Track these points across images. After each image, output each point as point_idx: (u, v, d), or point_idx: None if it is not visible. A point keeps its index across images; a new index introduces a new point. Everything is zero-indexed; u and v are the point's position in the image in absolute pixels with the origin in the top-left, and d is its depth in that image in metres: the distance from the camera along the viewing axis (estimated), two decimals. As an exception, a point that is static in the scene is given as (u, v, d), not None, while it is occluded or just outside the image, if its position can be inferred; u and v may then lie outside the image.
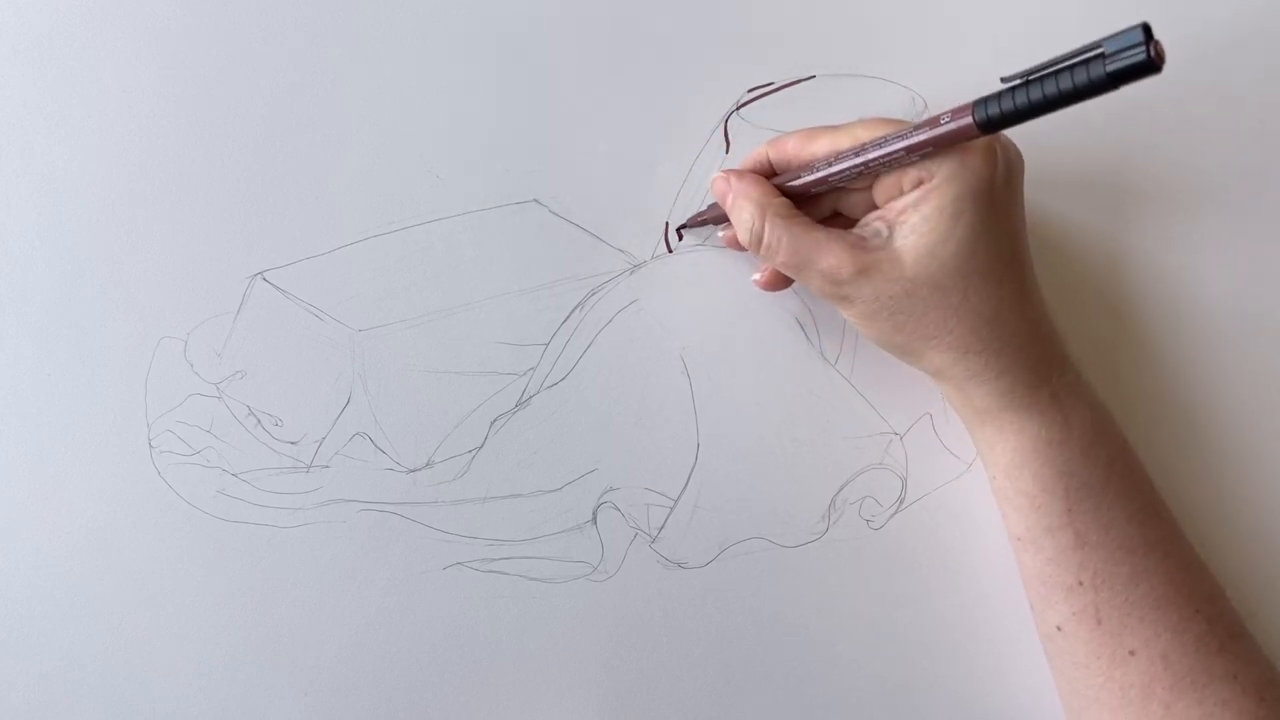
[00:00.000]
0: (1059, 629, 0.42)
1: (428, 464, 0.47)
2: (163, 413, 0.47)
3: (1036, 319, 0.41)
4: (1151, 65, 0.31)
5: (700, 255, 0.48)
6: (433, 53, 0.48)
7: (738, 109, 0.48)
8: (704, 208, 0.47)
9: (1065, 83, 0.33)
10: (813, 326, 0.48)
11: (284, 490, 0.47)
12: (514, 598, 0.47)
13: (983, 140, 0.38)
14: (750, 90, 0.48)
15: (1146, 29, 0.31)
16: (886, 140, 0.38)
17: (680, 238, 0.48)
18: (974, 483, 0.48)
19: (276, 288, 0.47)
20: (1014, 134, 0.40)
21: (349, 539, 0.47)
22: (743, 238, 0.43)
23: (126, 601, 0.47)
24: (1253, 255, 0.48)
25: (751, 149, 0.45)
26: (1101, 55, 0.32)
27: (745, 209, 0.42)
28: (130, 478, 0.47)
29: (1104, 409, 0.43)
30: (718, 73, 0.48)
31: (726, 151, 0.48)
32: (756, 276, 0.46)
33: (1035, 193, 0.42)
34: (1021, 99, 0.34)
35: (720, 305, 0.48)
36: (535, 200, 0.48)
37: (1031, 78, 0.34)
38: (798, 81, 0.48)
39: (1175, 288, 0.48)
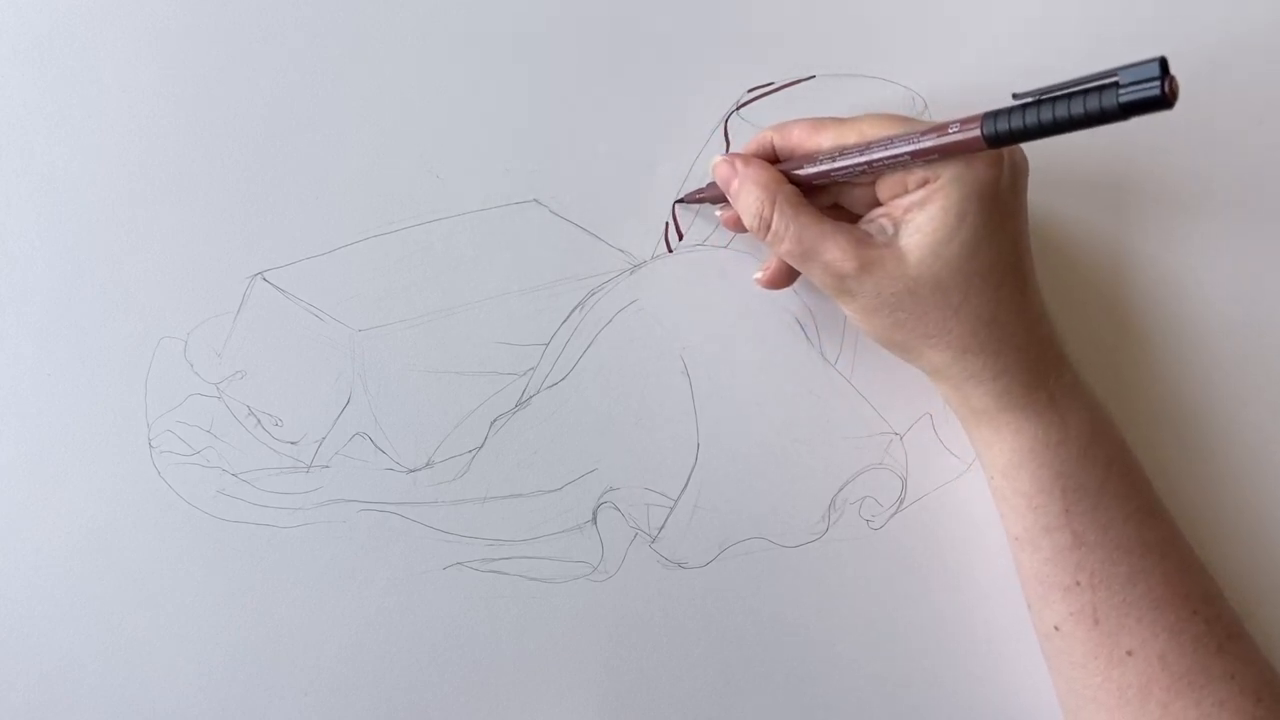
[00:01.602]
0: (1056, 629, 0.42)
1: (428, 464, 0.47)
2: (163, 413, 0.47)
3: (1036, 321, 0.41)
4: (1164, 100, 0.31)
5: (700, 255, 0.48)
6: (433, 53, 0.47)
7: (738, 109, 0.48)
8: (704, 186, 0.47)
9: (1077, 108, 0.33)
10: (813, 326, 0.48)
11: (284, 490, 0.47)
12: (514, 598, 0.48)
13: None
14: (750, 90, 0.48)
15: (1163, 63, 0.31)
16: (893, 142, 0.38)
17: (680, 233, 0.48)
18: (974, 483, 0.48)
19: (276, 288, 0.47)
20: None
21: (349, 539, 0.47)
22: (749, 222, 0.42)
23: (126, 601, 0.47)
24: (1254, 257, 0.48)
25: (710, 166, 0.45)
26: (1116, 85, 0.32)
27: (753, 194, 0.42)
28: (130, 478, 0.47)
29: (1102, 410, 0.43)
30: (718, 73, 0.48)
31: (726, 151, 0.48)
32: (759, 275, 0.46)
33: (1037, 194, 0.42)
34: (1031, 118, 0.34)
35: (720, 305, 0.48)
36: (535, 200, 0.48)
37: (1043, 98, 0.34)
38: (798, 81, 0.48)
39: (1177, 289, 0.48)
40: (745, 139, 0.47)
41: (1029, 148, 0.40)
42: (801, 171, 0.42)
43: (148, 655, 0.47)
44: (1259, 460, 0.48)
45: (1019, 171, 0.40)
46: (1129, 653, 0.40)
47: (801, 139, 0.43)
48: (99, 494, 0.47)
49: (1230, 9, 0.48)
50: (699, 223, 0.48)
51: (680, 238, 0.48)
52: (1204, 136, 0.48)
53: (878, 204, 0.42)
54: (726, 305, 0.48)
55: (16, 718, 0.47)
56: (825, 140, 0.42)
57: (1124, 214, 0.48)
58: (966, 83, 0.48)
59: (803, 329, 0.48)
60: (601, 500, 0.48)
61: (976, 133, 0.36)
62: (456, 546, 0.47)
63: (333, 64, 0.47)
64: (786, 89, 0.48)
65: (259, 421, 0.47)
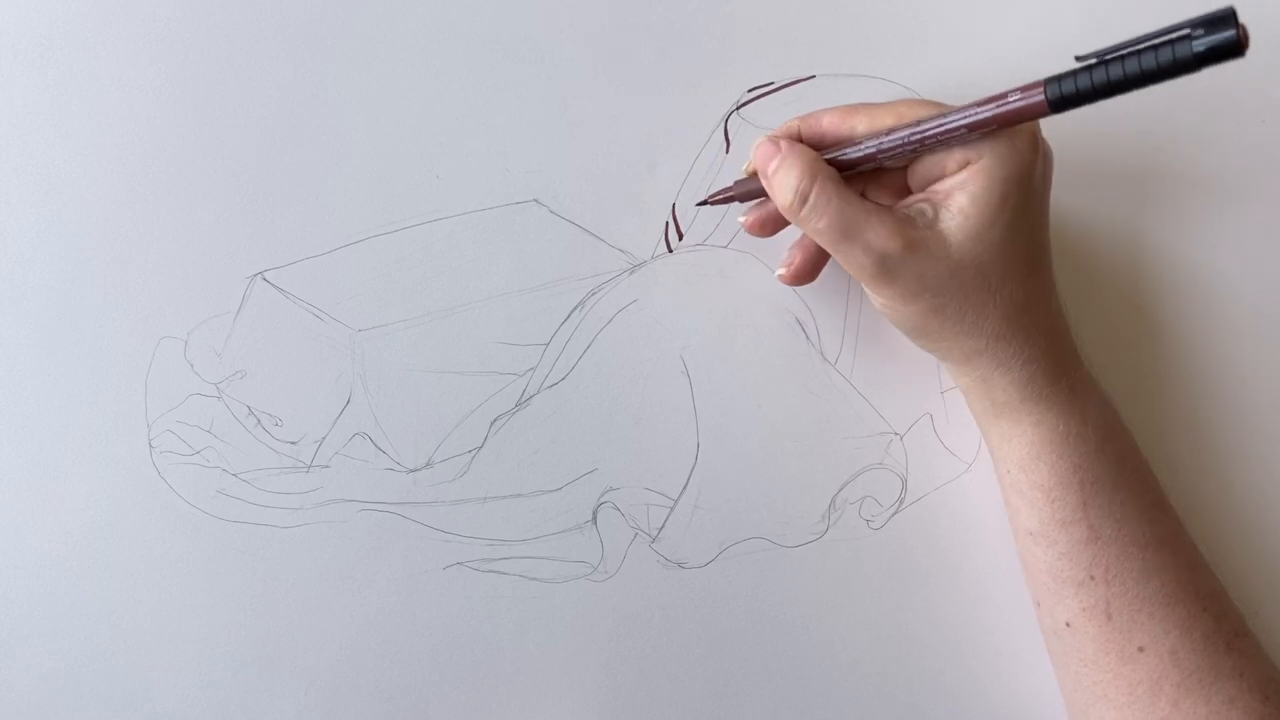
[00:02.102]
0: (1068, 625, 0.42)
1: (428, 464, 0.47)
2: (163, 413, 0.47)
3: (1058, 312, 0.42)
4: (1239, 48, 0.31)
5: (700, 255, 0.48)
6: (433, 53, 0.48)
7: (738, 109, 0.48)
8: (728, 185, 0.46)
9: (1148, 61, 0.32)
10: (813, 326, 0.48)
11: (284, 490, 0.47)
12: (514, 598, 0.47)
13: (1026, 128, 0.38)
14: (750, 90, 0.48)
15: (1233, 11, 0.31)
16: (947, 116, 0.38)
17: (680, 233, 0.48)
18: (974, 483, 0.48)
19: (276, 288, 0.47)
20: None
21: (349, 539, 0.47)
22: (785, 199, 0.41)
23: (126, 601, 0.47)
24: (1268, 251, 0.48)
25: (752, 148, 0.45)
26: (1188, 35, 0.32)
27: (795, 170, 0.40)
28: (130, 478, 0.47)
29: (1113, 406, 0.43)
30: (718, 73, 0.48)
31: (726, 151, 0.48)
32: (782, 271, 0.45)
33: (1055, 188, 0.42)
34: (1100, 77, 0.34)
35: (720, 305, 0.48)
36: (535, 200, 0.48)
37: (1109, 57, 0.34)
38: (798, 81, 0.48)
39: (1192, 283, 0.48)
40: (745, 139, 0.47)
41: (1048, 139, 0.41)
42: (845, 155, 0.41)
43: (148, 655, 0.47)
44: (1268, 458, 0.48)
45: (1049, 161, 0.40)
46: (1141, 649, 0.40)
47: (834, 125, 0.42)
48: (99, 494, 0.47)
49: (1240, 5, 0.48)
50: (699, 223, 0.48)
51: (680, 238, 0.48)
52: (1221, 129, 0.48)
53: (908, 193, 0.42)
54: (726, 305, 0.48)
55: (16, 718, 0.47)
56: (859, 125, 0.41)
57: (1140, 208, 0.48)
58: (967, 82, 0.48)
59: (803, 329, 0.48)
60: (601, 500, 0.48)
61: (1040, 97, 0.35)
62: (456, 546, 0.47)
63: (333, 64, 0.47)
64: (786, 89, 0.48)
65: (259, 421, 0.47)
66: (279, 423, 0.47)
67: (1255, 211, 0.48)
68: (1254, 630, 0.42)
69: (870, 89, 0.48)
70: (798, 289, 0.48)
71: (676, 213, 0.48)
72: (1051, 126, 0.40)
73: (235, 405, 0.47)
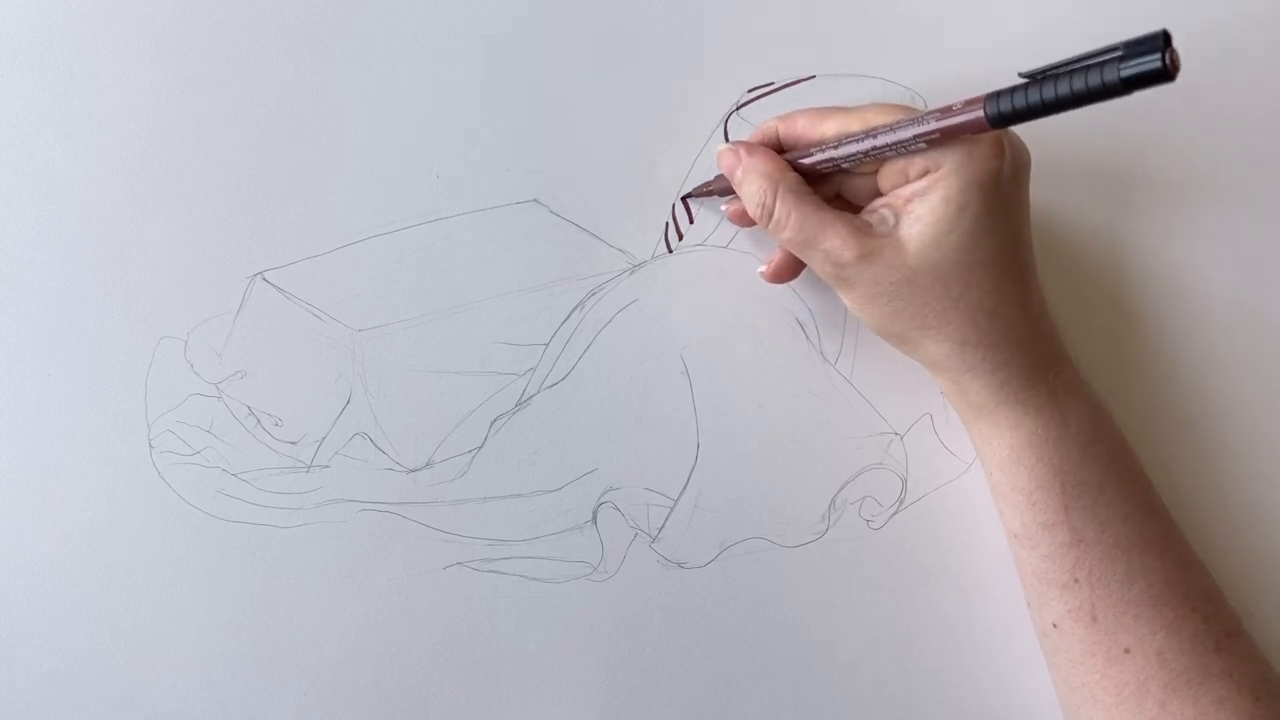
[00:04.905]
0: (1055, 626, 0.42)
1: (428, 464, 0.47)
2: (163, 413, 0.47)
3: (1036, 315, 0.42)
4: (1165, 74, 0.31)
5: (700, 255, 0.48)
6: (433, 52, 0.47)
7: (738, 109, 0.48)
8: (710, 179, 0.47)
9: (1079, 83, 0.33)
10: (813, 326, 0.48)
11: (284, 490, 0.47)
12: (514, 598, 0.48)
13: (992, 132, 0.38)
14: (750, 90, 0.48)
15: (1166, 36, 0.31)
16: (897, 125, 0.38)
17: (680, 233, 0.48)
18: (974, 483, 0.48)
19: (276, 288, 0.47)
20: (1021, 128, 0.40)
21: (349, 539, 0.47)
22: (752, 210, 0.43)
23: (126, 601, 0.47)
24: (1256, 251, 0.48)
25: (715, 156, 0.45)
26: (1117, 59, 0.32)
27: (756, 182, 0.42)
28: (130, 478, 0.47)
29: (1103, 408, 0.43)
30: (718, 73, 0.48)
31: (727, 151, 0.48)
32: (763, 269, 0.46)
33: (1039, 189, 0.42)
34: (1034, 96, 0.34)
35: (720, 305, 0.48)
36: (535, 200, 0.48)
37: (1045, 75, 0.34)
38: (798, 81, 0.48)
39: (1179, 284, 0.48)
40: (745, 139, 0.47)
41: (1031, 140, 0.41)
42: (806, 160, 0.42)
43: (148, 655, 0.47)
44: (1260, 457, 0.48)
45: (1021, 163, 0.40)
46: (1127, 650, 0.40)
47: (806, 128, 0.43)
48: (99, 494, 0.47)
49: (1236, 5, 0.48)
50: (699, 222, 0.48)
51: (680, 237, 0.48)
52: (1205, 130, 0.48)
53: (880, 195, 0.42)
54: (726, 305, 0.48)
55: (16, 718, 0.46)
56: (830, 128, 0.42)
57: (1125, 208, 0.48)
58: (968, 82, 0.48)
59: (803, 329, 0.48)
60: (601, 500, 0.48)
61: (979, 113, 0.36)
62: (456, 546, 0.47)
63: (333, 64, 0.47)
64: (786, 89, 0.48)
65: (259, 421, 0.47)
66: (279, 423, 0.47)
67: (1240, 211, 0.48)
68: (1249, 630, 0.42)
69: (870, 89, 0.48)
70: (798, 290, 0.48)
71: (676, 213, 0.48)
72: (1035, 126, 0.40)
73: (235, 405, 0.47)
